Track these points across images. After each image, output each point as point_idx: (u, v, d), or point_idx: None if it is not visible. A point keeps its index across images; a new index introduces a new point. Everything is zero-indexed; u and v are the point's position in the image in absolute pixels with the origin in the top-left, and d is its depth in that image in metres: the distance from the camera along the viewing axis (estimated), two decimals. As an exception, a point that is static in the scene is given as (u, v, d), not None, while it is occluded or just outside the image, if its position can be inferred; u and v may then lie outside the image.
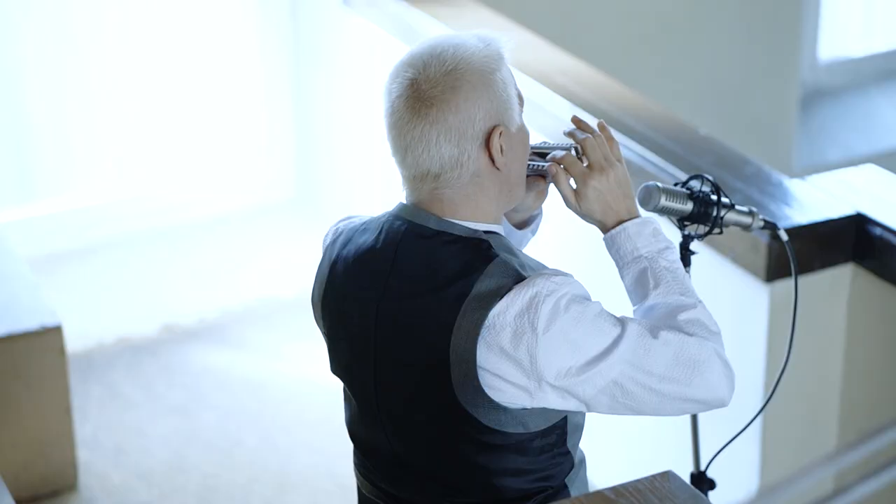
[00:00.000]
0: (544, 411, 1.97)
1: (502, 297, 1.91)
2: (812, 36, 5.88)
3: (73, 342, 4.25)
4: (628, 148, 3.30)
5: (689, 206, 2.17)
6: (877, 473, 1.07)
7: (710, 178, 2.20)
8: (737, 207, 2.21)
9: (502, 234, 2.02)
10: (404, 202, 2.04)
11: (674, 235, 2.32)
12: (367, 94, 4.71)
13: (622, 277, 2.06)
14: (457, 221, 1.98)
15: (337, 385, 4.10)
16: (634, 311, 2.04)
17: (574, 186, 2.04)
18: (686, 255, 2.20)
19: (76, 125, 4.88)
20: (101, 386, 4.21)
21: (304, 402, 4.13)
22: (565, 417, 2.03)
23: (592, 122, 2.09)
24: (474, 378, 1.92)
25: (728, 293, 3.05)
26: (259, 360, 4.35)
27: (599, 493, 1.57)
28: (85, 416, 4.04)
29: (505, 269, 1.93)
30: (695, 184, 2.20)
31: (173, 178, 5.09)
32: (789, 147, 5.24)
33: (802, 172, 3.24)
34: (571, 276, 1.96)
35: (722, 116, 5.32)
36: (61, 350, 3.62)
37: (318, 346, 4.39)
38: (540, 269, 1.96)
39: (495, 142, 1.96)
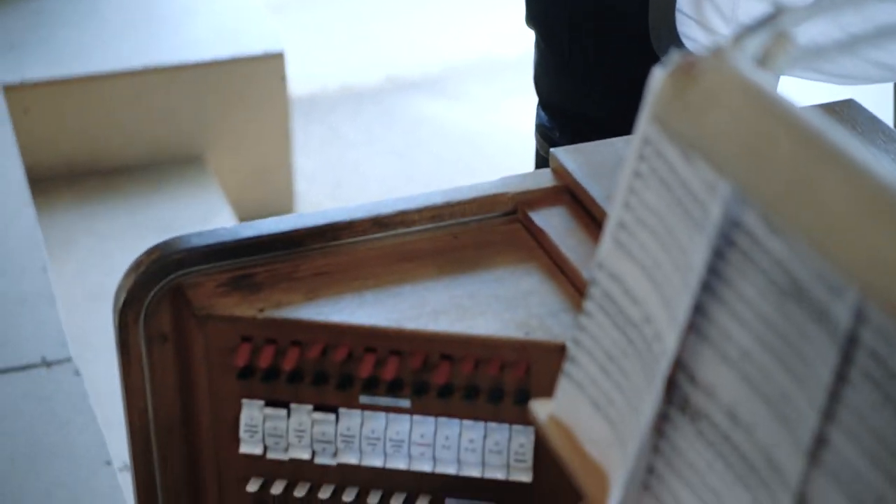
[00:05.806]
0: None
1: None
2: None
3: (297, 86, 4.33)
4: None
5: None
6: None
7: None
8: None
9: None
10: None
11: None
12: None
13: None
14: None
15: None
16: None
17: None
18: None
19: None
20: (322, 126, 4.30)
21: (519, 155, 4.14)
22: None
23: None
24: (671, 22, 1.90)
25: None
26: (477, 113, 4.37)
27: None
28: (306, 152, 4.14)
29: None
30: None
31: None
32: None
33: None
34: None
35: None
36: (282, 77, 3.69)
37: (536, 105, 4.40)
38: None
39: None
